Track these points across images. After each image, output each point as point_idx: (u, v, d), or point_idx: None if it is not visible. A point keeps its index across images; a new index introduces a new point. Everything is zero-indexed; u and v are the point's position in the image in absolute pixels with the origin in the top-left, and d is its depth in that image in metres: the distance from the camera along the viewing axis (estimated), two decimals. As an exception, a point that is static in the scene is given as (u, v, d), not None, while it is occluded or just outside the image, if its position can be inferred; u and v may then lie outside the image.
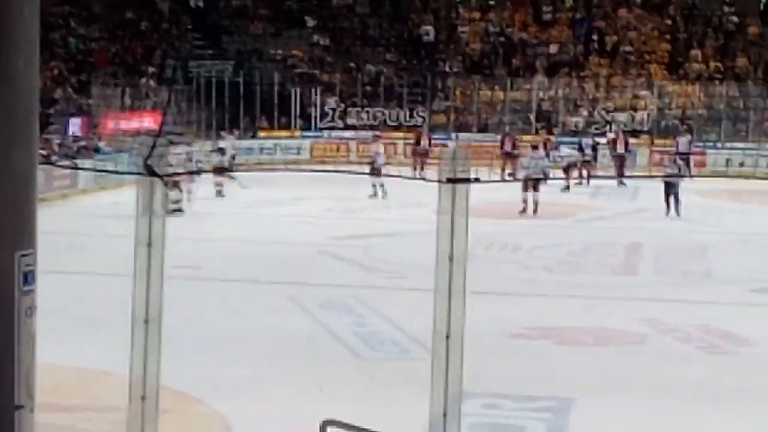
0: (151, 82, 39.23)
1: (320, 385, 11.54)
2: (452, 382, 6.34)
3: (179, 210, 24.53)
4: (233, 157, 34.29)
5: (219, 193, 28.33)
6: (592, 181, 32.42)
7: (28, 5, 5.03)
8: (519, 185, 26.40)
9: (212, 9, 47.03)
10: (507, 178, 31.09)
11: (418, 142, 36.83)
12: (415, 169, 34.11)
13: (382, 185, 28.73)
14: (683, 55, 44.82)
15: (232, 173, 28.89)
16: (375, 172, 28.64)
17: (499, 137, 37.30)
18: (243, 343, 13.36)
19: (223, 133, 35.78)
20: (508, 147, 35.51)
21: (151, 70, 40.64)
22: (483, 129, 40.63)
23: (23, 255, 5.09)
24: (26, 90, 5.08)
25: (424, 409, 6.89)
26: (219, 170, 28.59)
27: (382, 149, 31.01)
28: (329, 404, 10.07)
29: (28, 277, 5.15)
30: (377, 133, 35.65)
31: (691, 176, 29.78)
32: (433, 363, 6.30)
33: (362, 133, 39.78)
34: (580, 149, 33.87)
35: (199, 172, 28.31)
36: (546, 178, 28.00)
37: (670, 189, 26.30)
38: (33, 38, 5.09)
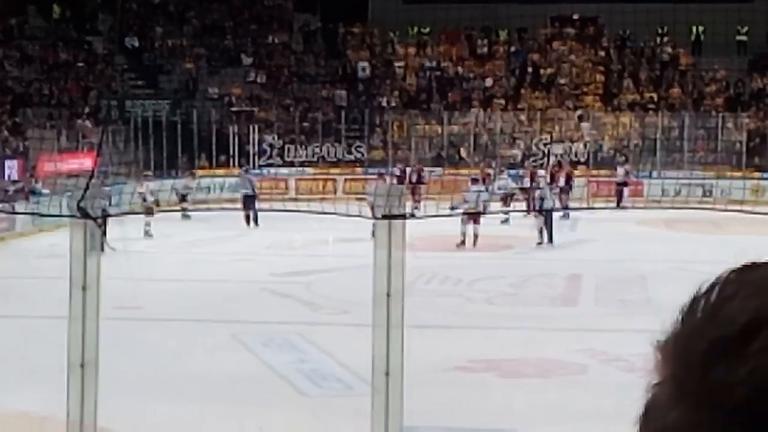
0: (88, 123, 38.96)
1: (262, 423, 11.46)
2: (393, 417, 6.31)
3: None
4: (185, 197, 33.92)
5: (146, 233, 28.03)
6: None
7: None
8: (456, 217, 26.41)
9: (147, 48, 46.88)
10: (442, 211, 30.88)
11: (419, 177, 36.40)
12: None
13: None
14: (617, 85, 45.31)
15: (153, 214, 28.46)
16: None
17: (439, 171, 37.35)
18: (184, 382, 13.24)
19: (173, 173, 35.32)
20: (414, 179, 35.50)
21: (87, 110, 40.39)
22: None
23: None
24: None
25: (367, 445, 6.85)
26: (147, 210, 28.24)
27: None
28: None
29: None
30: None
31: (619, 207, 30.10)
32: (373, 399, 6.27)
33: (301, 170, 39.82)
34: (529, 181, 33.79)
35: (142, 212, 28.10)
36: (484, 211, 28.00)
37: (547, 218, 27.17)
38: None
